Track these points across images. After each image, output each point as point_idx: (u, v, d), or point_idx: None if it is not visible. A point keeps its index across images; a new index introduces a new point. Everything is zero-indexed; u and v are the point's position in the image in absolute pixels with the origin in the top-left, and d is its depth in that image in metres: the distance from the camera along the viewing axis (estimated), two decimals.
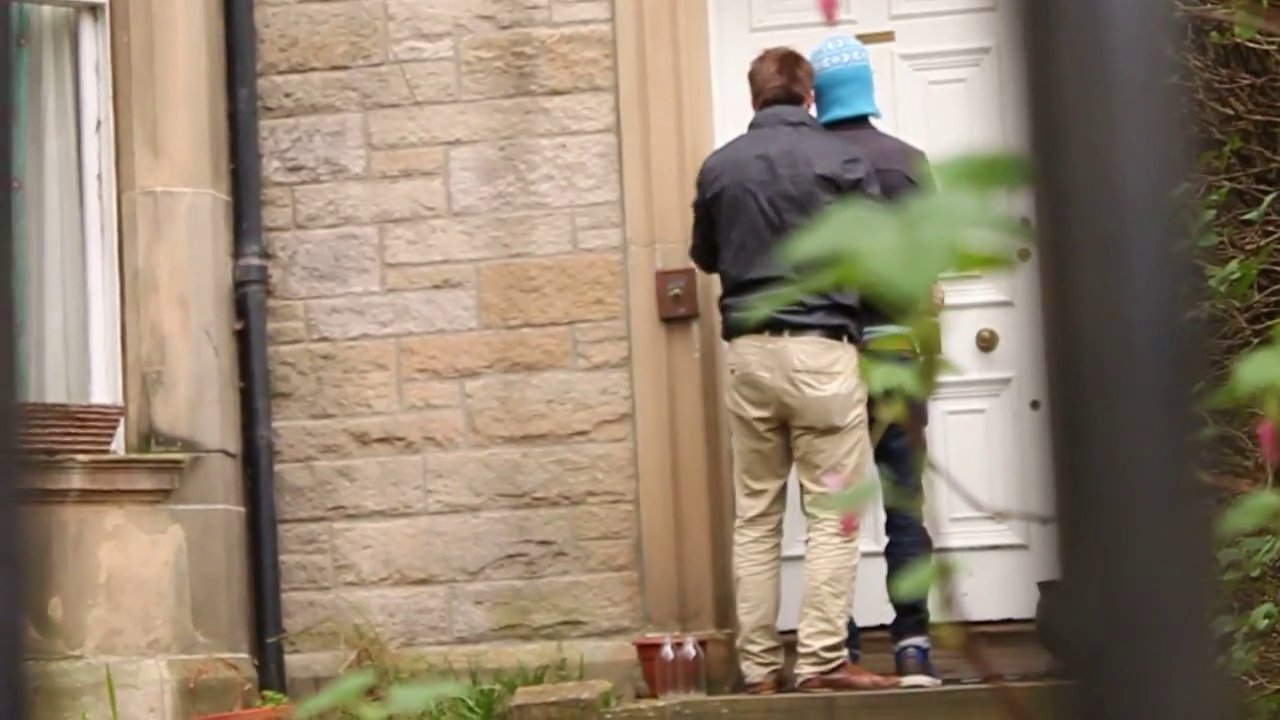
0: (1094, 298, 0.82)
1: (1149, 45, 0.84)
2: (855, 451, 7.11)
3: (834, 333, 7.06)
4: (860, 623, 7.48)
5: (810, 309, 7.00)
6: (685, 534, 7.89)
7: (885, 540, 7.43)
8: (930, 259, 0.86)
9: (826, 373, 7.03)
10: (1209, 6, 4.80)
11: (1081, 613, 0.83)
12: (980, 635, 7.30)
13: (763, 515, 7.23)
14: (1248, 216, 4.83)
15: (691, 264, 7.83)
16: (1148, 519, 0.82)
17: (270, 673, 7.96)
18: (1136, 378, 0.82)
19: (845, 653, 7.14)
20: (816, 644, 7.05)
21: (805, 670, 7.09)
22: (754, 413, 7.16)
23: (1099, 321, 0.82)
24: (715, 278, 7.65)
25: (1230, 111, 5.84)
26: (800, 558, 7.26)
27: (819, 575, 7.06)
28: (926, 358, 1.04)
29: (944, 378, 1.13)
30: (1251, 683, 4.01)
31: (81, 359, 7.92)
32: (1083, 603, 0.83)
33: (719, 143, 8.21)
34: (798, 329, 7.03)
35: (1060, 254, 0.83)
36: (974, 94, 8.13)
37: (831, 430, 7.06)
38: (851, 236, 0.87)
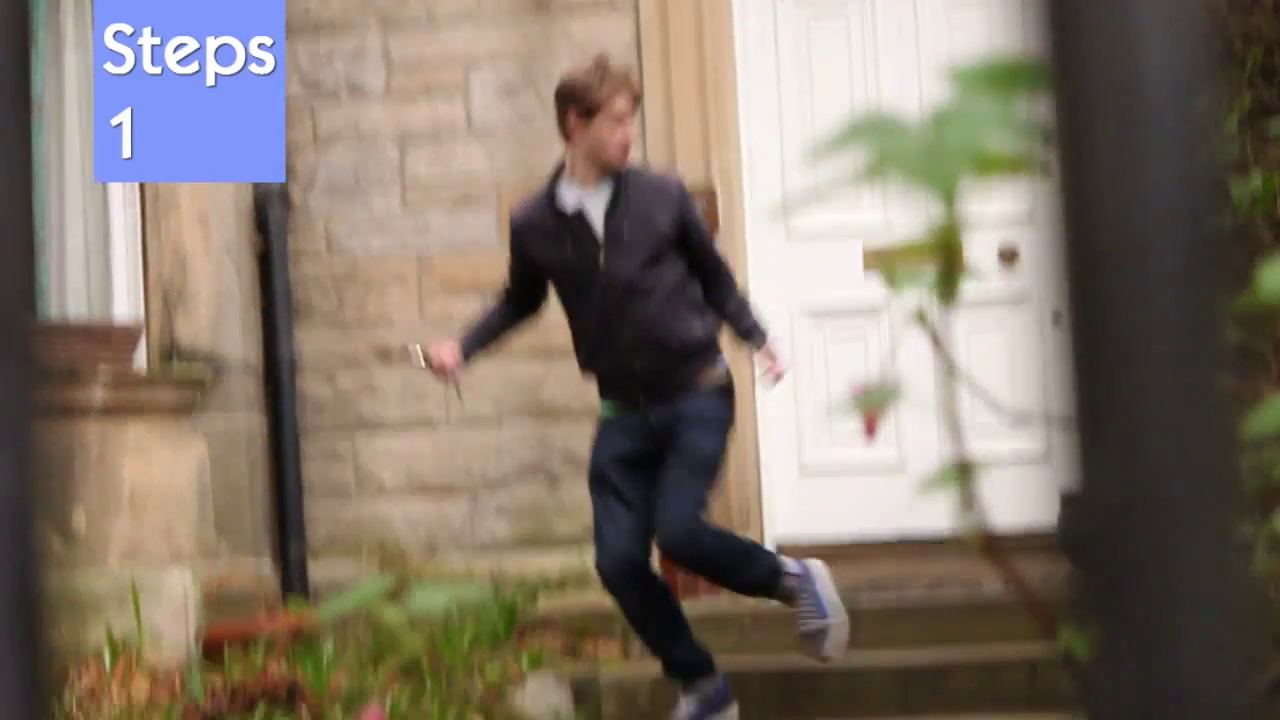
0: (1113, 199, 0.83)
1: None
2: None
3: None
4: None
5: None
6: None
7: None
8: (952, 161, 0.86)
9: None
10: None
11: (1101, 514, 0.83)
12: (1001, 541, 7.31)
13: None
14: (1271, 130, 4.81)
15: (715, 186, 7.89)
16: (1166, 420, 0.83)
17: (293, 582, 8.02)
18: (1156, 278, 0.83)
19: None
20: None
21: None
22: None
23: (1118, 221, 0.82)
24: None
25: (1254, 26, 5.81)
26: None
27: None
28: (946, 263, 1.04)
29: (965, 286, 1.12)
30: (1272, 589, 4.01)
31: (103, 277, 7.92)
32: (1102, 504, 0.83)
33: (739, 64, 8.18)
34: None
35: (1079, 156, 0.83)
36: (996, 6, 8.07)
37: None
38: (874, 141, 0.87)
